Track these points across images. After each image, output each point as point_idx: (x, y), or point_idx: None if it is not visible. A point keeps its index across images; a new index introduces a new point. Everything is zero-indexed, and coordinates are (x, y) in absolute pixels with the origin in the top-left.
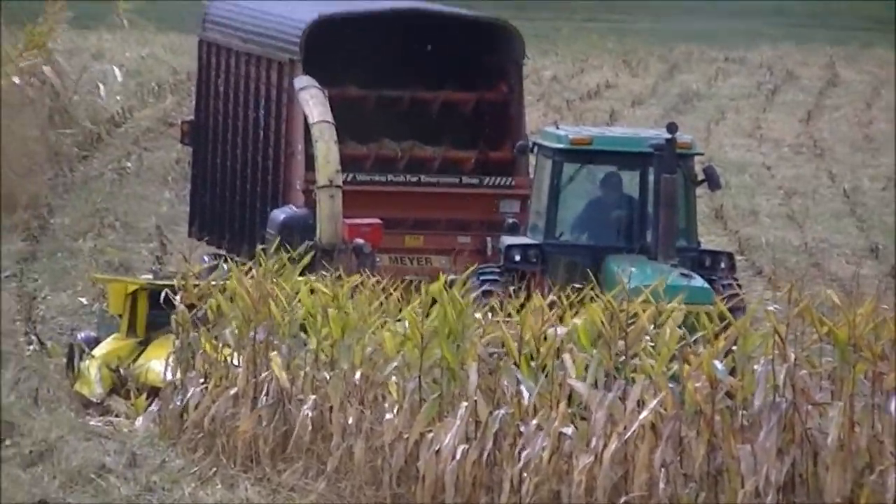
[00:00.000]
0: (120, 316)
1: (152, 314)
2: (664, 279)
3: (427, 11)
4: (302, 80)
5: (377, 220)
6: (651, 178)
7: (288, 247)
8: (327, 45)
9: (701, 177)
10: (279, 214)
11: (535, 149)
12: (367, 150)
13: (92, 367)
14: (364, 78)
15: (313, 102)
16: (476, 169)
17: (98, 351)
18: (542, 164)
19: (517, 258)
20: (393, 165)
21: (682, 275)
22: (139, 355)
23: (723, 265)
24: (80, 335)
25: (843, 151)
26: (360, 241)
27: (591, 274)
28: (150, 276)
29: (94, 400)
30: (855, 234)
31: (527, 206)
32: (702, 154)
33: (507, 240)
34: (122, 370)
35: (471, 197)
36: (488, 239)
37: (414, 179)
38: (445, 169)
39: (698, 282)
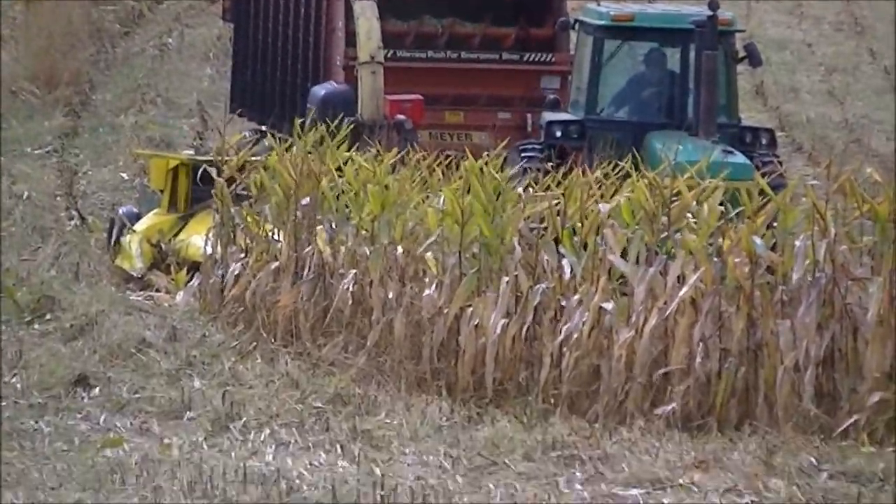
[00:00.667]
0: (161, 191)
1: (194, 189)
2: (707, 156)
3: None
4: None
5: (418, 97)
6: (692, 54)
7: (328, 122)
8: None
9: (742, 54)
10: (319, 90)
11: (577, 25)
12: (407, 27)
13: (133, 242)
14: None
15: None
16: (516, 45)
17: (139, 226)
18: (584, 40)
19: (558, 134)
20: (433, 42)
21: (724, 151)
22: (180, 230)
23: (764, 141)
24: (122, 210)
25: (884, 29)
26: (401, 117)
27: (632, 150)
28: (192, 152)
29: (135, 274)
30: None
31: (567, 82)
32: (743, 31)
33: (548, 116)
34: (162, 245)
35: (511, 73)
36: (528, 115)
37: (454, 56)
38: (486, 46)
39: (739, 158)
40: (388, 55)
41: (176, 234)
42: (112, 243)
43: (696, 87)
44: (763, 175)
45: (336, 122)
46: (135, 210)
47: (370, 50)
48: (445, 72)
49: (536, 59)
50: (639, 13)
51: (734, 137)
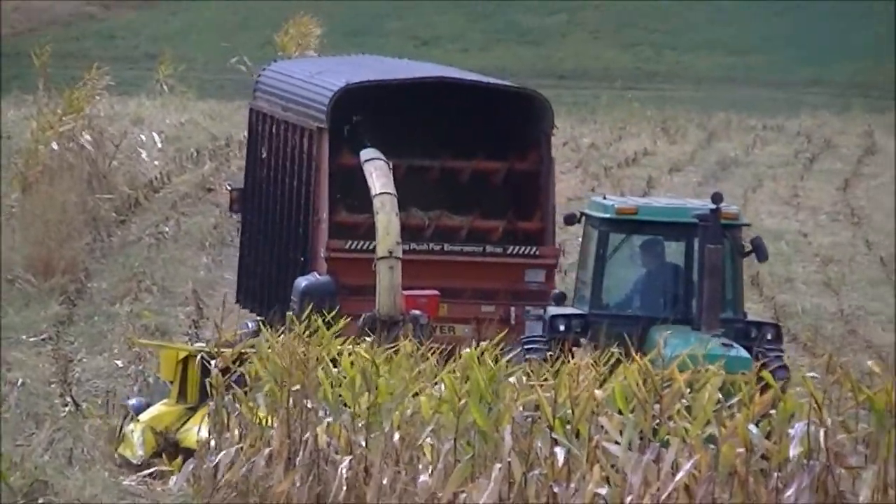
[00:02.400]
0: (171, 382)
1: (205, 381)
2: (703, 346)
3: (455, 81)
4: (367, 152)
5: (435, 292)
6: (696, 248)
7: (310, 314)
8: (356, 114)
9: (748, 248)
10: (301, 282)
11: (582, 218)
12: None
13: (136, 430)
14: (394, 147)
15: (377, 174)
16: (504, 238)
17: (145, 415)
18: (589, 233)
19: (562, 328)
20: (420, 234)
21: (724, 344)
22: (188, 421)
23: (769, 336)
24: (132, 401)
25: (880, 219)
26: (417, 312)
27: (633, 342)
28: (203, 344)
29: (135, 462)
30: (892, 301)
31: (552, 275)
32: (748, 225)
33: (552, 310)
34: (168, 435)
35: (496, 266)
36: (512, 308)
37: (437, 248)
38: (473, 238)
39: (739, 351)
40: (371, 247)
41: (183, 425)
42: (118, 432)
43: (700, 281)
44: (769, 370)
45: (319, 314)
46: (145, 401)
47: (389, 245)
48: (429, 264)
49: (521, 251)
50: (643, 206)
51: (739, 332)
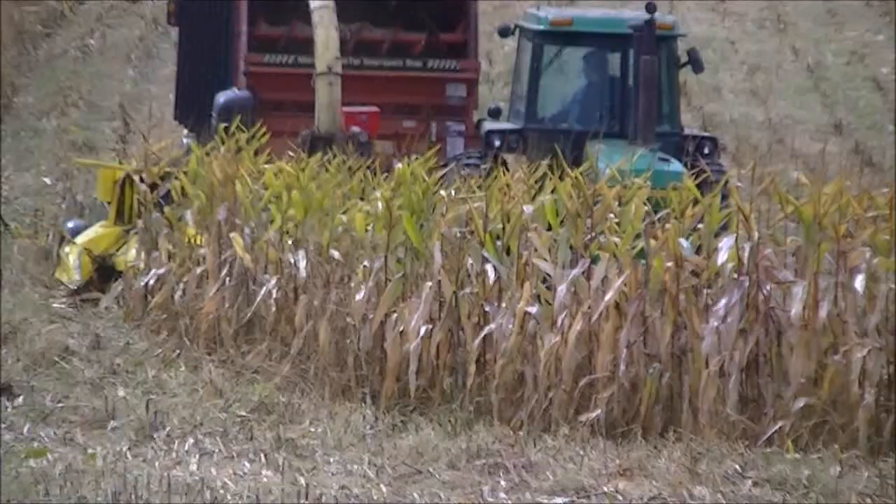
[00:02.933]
0: (108, 203)
1: None
2: (638, 161)
3: None
4: None
5: (375, 108)
6: (632, 59)
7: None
8: None
9: (684, 59)
10: (220, 97)
11: (516, 31)
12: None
13: (72, 254)
14: None
15: None
16: (425, 52)
17: (81, 237)
18: (523, 46)
19: (497, 143)
20: (342, 48)
21: (661, 159)
22: (125, 244)
23: (706, 150)
24: (70, 224)
25: (807, 26)
26: (356, 129)
27: (568, 157)
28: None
29: (72, 287)
30: (819, 110)
31: (474, 90)
32: (684, 35)
33: (487, 125)
34: (104, 258)
35: (416, 80)
36: (433, 123)
37: (357, 62)
38: (395, 52)
39: (675, 166)
40: (292, 61)
41: (120, 248)
42: (55, 256)
43: (636, 94)
44: (704, 183)
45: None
46: (83, 223)
47: (328, 60)
48: (349, 79)
49: (442, 66)
50: (577, 17)
51: (677, 146)
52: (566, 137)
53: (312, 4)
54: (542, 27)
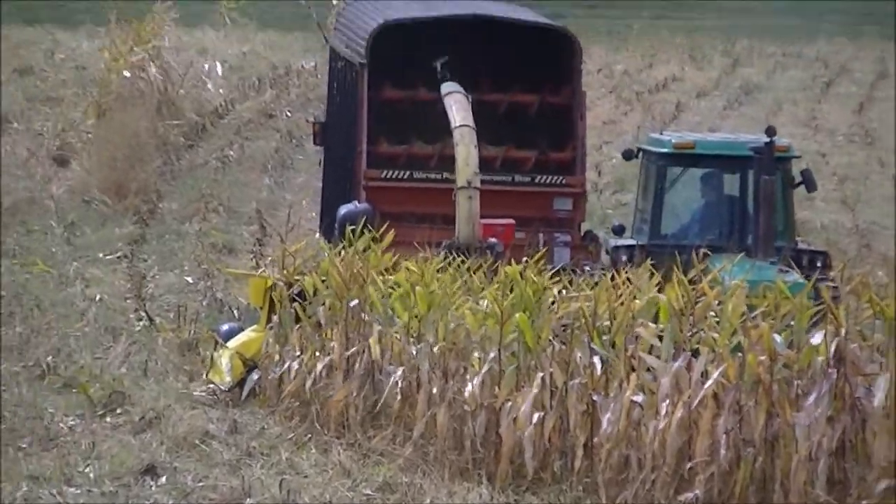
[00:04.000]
0: (260, 308)
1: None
2: (760, 273)
3: (492, 18)
4: (448, 86)
5: (510, 221)
6: (751, 179)
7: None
8: (399, 47)
9: (798, 179)
10: (342, 209)
11: (640, 154)
12: (431, 149)
13: (224, 357)
14: (434, 80)
15: (456, 107)
16: (535, 168)
17: (233, 342)
18: (647, 168)
19: (624, 258)
20: (455, 164)
21: (780, 271)
22: None
23: (819, 263)
24: (224, 327)
25: (893, 140)
26: (493, 239)
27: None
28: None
29: (223, 388)
30: None
31: (580, 203)
32: (799, 157)
33: (612, 241)
34: (254, 361)
35: (526, 194)
36: (541, 234)
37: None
38: (507, 167)
39: (794, 276)
40: (412, 176)
41: None
42: (210, 359)
43: (756, 211)
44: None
45: (355, 240)
46: (237, 326)
47: (467, 175)
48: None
49: (549, 181)
50: (699, 141)
51: (792, 259)
52: (689, 253)
53: (454, 125)
54: (666, 150)
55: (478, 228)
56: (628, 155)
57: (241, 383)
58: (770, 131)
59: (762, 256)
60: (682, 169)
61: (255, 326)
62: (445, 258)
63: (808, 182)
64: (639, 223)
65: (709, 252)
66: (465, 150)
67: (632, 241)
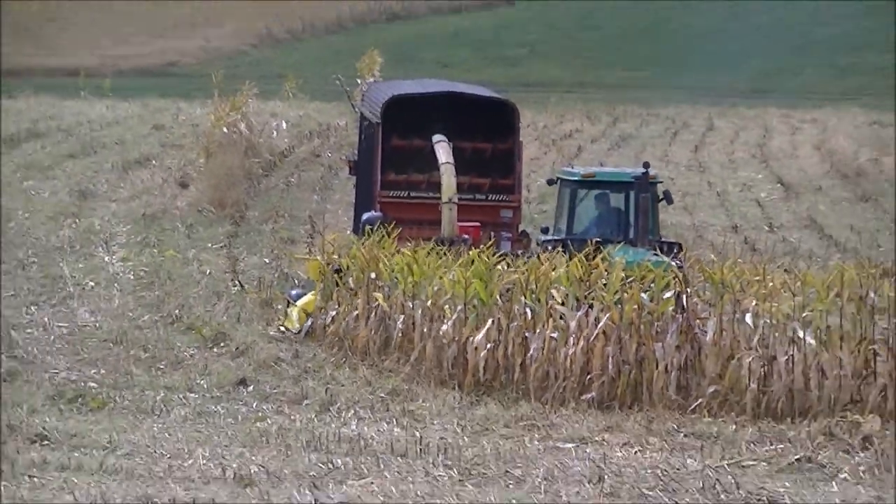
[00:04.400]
0: (314, 279)
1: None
2: (643, 257)
3: (460, 94)
4: (437, 137)
5: (477, 223)
6: (632, 196)
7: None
8: (401, 112)
9: (661, 196)
10: (364, 216)
11: (558, 181)
12: (423, 177)
13: (293, 311)
14: (425, 132)
15: (442, 150)
16: (489, 189)
17: (300, 301)
18: (563, 190)
19: (550, 248)
20: (439, 187)
21: (654, 254)
22: None
23: (675, 250)
24: (293, 291)
25: (716, 169)
26: (465, 236)
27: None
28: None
29: (294, 332)
30: (724, 218)
31: (517, 212)
32: (661, 182)
33: (542, 237)
34: (311, 313)
35: (483, 207)
36: (492, 233)
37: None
38: (471, 189)
39: (662, 259)
40: (409, 194)
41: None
42: (285, 313)
43: (636, 217)
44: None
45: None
46: (301, 291)
47: (449, 194)
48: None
49: (498, 199)
50: (598, 171)
51: (658, 248)
52: (591, 244)
53: (441, 161)
54: (576, 178)
55: (456, 229)
56: (550, 182)
57: (303, 328)
58: (646, 165)
59: (641, 245)
60: (586, 190)
61: (312, 291)
62: (434, 247)
63: (668, 198)
64: (558, 225)
65: (605, 243)
66: (448, 179)
67: (554, 237)
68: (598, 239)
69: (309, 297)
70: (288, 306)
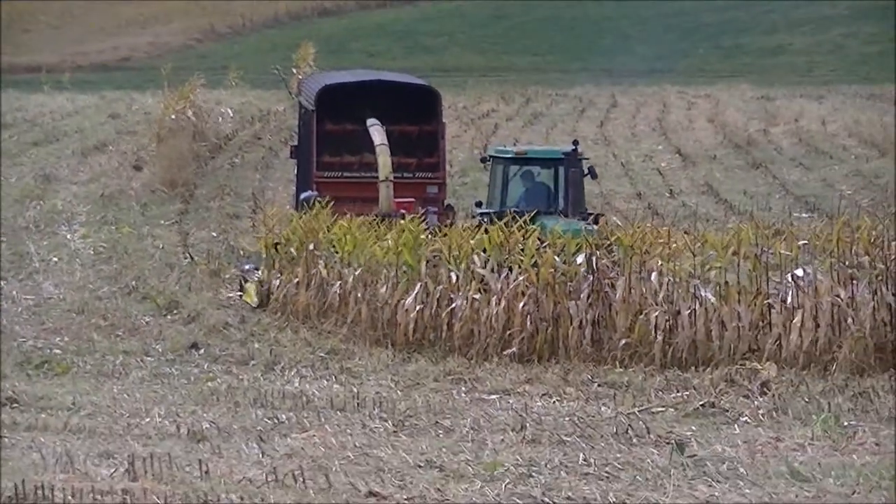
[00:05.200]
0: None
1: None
2: (572, 225)
3: (387, 81)
4: (371, 120)
5: (411, 199)
6: (561, 172)
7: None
8: (334, 100)
9: (586, 171)
10: (302, 194)
11: (491, 159)
12: (354, 159)
13: (251, 287)
14: (356, 118)
15: (377, 132)
16: (416, 168)
17: (255, 276)
18: (496, 167)
19: (485, 220)
20: (370, 167)
21: (588, 224)
22: None
23: (596, 220)
24: (247, 266)
25: (620, 142)
26: (402, 210)
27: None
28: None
29: (253, 306)
30: (628, 186)
31: (443, 188)
32: (588, 159)
33: (477, 210)
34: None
35: (411, 184)
36: (420, 207)
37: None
38: (400, 168)
39: (589, 227)
40: (341, 175)
41: None
42: (240, 286)
43: (566, 190)
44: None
45: (307, 210)
46: (255, 266)
47: (385, 173)
48: (374, 184)
49: (424, 176)
50: (529, 150)
51: (583, 217)
52: (522, 215)
53: (377, 143)
54: (509, 156)
55: (393, 205)
56: (484, 160)
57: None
58: (575, 143)
59: (571, 215)
60: (518, 167)
61: (262, 267)
62: (373, 221)
63: (592, 173)
64: (491, 199)
65: (535, 214)
66: (384, 158)
67: (488, 210)
68: (527, 211)
69: (262, 271)
70: (244, 281)
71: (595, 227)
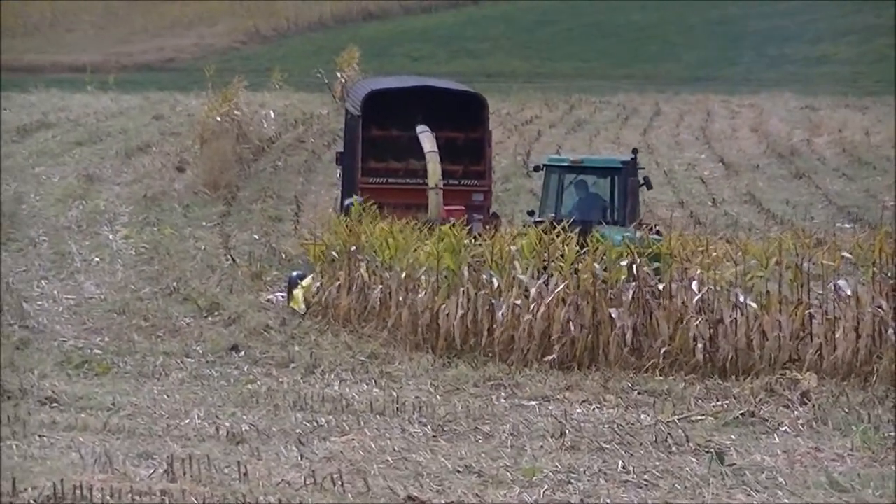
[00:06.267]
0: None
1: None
2: (630, 235)
3: (435, 88)
4: (421, 127)
5: (461, 207)
6: (617, 180)
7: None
8: (380, 105)
9: (642, 181)
10: (347, 200)
11: (545, 168)
12: (401, 165)
13: (299, 293)
14: (402, 124)
15: (427, 139)
16: (462, 175)
17: (305, 282)
18: (551, 176)
19: (540, 229)
20: (416, 174)
21: (656, 232)
22: None
23: (653, 229)
24: (294, 274)
25: (663, 150)
26: (451, 218)
27: (580, 233)
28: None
29: (300, 312)
30: (671, 194)
31: (488, 195)
32: (644, 168)
33: (530, 218)
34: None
35: (456, 191)
36: (467, 214)
37: (425, 182)
38: (445, 175)
39: (657, 236)
40: (389, 181)
41: None
42: (288, 293)
43: (622, 200)
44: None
45: (351, 216)
46: (302, 273)
47: (435, 180)
48: (420, 190)
49: (469, 183)
50: (585, 158)
51: (638, 227)
52: (576, 224)
53: (427, 150)
54: (566, 164)
55: (442, 212)
56: (536, 168)
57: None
58: (635, 151)
59: (628, 225)
60: (574, 175)
61: (314, 274)
62: (423, 228)
63: (648, 183)
64: (544, 207)
65: (597, 224)
66: (433, 166)
67: (541, 219)
68: (584, 220)
69: (310, 279)
70: (291, 289)
71: (661, 237)
